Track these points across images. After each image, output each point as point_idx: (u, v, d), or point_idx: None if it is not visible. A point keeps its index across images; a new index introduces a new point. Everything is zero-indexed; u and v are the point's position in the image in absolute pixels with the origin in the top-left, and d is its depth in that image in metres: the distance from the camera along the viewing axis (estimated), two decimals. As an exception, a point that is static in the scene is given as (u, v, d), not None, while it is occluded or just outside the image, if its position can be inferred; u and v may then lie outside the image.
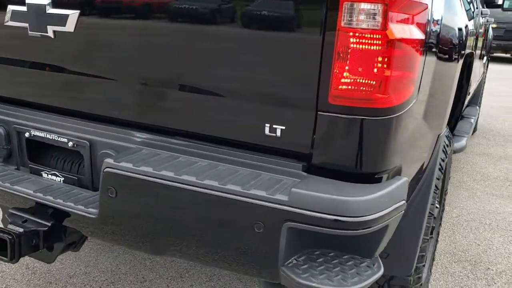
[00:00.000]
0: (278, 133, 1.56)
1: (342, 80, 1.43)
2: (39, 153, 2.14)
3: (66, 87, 1.95)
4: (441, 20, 1.81)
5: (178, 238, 1.61)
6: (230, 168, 1.63)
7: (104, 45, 1.80)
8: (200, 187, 1.51)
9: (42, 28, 1.86)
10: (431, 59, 1.72)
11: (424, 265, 2.17)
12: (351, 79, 1.42)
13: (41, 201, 1.87)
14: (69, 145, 1.95)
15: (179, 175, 1.55)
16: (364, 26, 1.38)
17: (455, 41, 2.14)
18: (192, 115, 1.71)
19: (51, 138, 1.99)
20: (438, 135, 2.19)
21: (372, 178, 1.51)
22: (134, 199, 1.63)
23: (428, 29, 1.61)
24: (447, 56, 1.98)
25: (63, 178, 2.03)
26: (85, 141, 1.91)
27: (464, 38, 2.42)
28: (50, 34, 1.86)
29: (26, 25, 1.89)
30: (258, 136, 1.60)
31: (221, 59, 1.59)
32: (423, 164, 1.98)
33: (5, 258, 1.88)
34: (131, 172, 1.60)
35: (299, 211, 1.41)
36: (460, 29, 2.28)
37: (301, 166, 1.57)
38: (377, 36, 1.37)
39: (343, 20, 1.39)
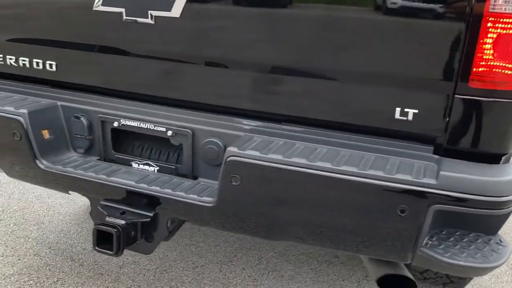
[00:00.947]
0: (410, 116, 1.58)
1: (484, 63, 1.46)
2: (126, 143, 2.07)
3: (164, 76, 1.89)
4: None
5: (307, 223, 1.62)
6: (354, 154, 1.64)
7: (213, 31, 1.75)
8: (338, 173, 1.52)
9: (141, 13, 1.79)
10: None
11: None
12: (493, 62, 1.45)
13: (146, 191, 1.83)
14: (168, 134, 1.90)
15: (313, 162, 1.55)
16: (508, 10, 1.41)
17: None
18: (312, 101, 1.70)
19: (145, 127, 1.93)
20: None
21: (506, 159, 1.56)
22: (260, 186, 1.63)
23: None
24: None
25: (157, 168, 1.98)
26: (187, 130, 1.87)
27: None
28: (150, 20, 1.79)
29: (122, 10, 1.81)
30: (386, 120, 1.62)
31: (353, 44, 1.58)
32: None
33: (110, 252, 1.85)
34: (259, 160, 1.58)
35: (448, 194, 1.44)
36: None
37: (431, 149, 1.60)
38: None
39: (489, 5, 1.41)
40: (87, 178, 1.91)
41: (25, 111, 1.94)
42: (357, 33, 1.57)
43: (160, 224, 1.91)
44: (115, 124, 1.98)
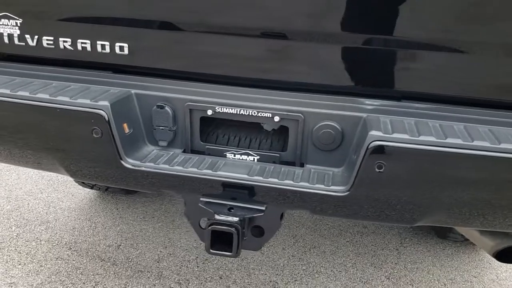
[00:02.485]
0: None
1: None
2: (217, 133, 1.88)
3: (270, 56, 1.70)
4: None
5: (460, 203, 1.57)
6: (500, 130, 1.58)
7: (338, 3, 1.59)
8: (499, 152, 1.47)
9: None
10: None
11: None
12: None
13: (261, 184, 1.67)
14: (275, 120, 1.74)
15: (469, 142, 1.49)
16: None
17: None
18: (441, 76, 1.62)
19: (247, 114, 1.75)
20: None
21: None
22: (411, 171, 1.54)
23: None
24: None
25: (257, 157, 1.82)
26: (298, 115, 1.72)
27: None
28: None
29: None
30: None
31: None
32: None
33: (228, 253, 1.69)
34: (412, 144, 1.50)
35: None
36: None
37: None
38: None
39: None
40: (189, 175, 1.71)
41: (106, 103, 1.67)
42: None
43: (272, 218, 1.77)
44: (209, 112, 1.77)
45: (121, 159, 1.73)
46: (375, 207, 1.63)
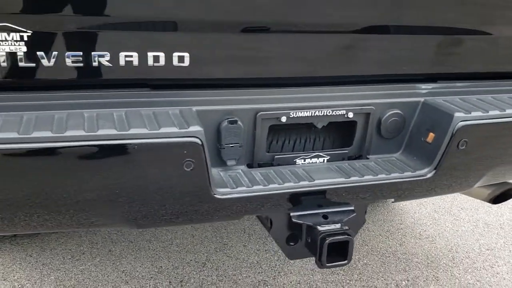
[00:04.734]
0: None
1: None
2: (282, 139, 1.71)
3: (341, 51, 1.63)
4: None
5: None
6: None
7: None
8: None
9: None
10: None
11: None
12: None
13: (347, 185, 1.64)
14: (349, 116, 1.69)
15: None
16: None
17: None
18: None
19: (322, 114, 1.65)
20: None
21: None
22: (487, 145, 1.73)
23: None
24: None
25: (327, 158, 1.74)
26: (370, 107, 1.71)
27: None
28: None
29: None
30: None
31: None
32: None
33: (344, 262, 1.62)
34: (491, 119, 1.68)
35: None
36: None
37: None
38: None
39: None
40: (286, 191, 1.55)
41: (198, 128, 1.36)
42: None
43: (359, 215, 1.74)
44: (283, 118, 1.61)
45: (211, 190, 1.46)
46: (456, 180, 1.78)
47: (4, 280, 2.51)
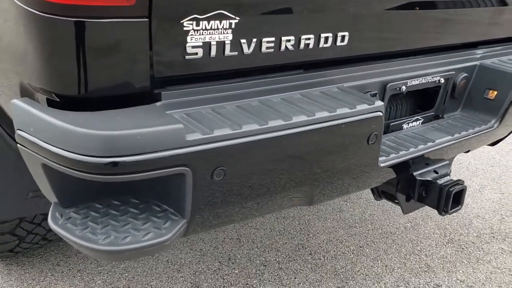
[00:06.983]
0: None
1: None
2: (394, 108, 1.88)
3: (437, 24, 1.84)
4: None
5: None
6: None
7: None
8: None
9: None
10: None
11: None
12: None
13: (453, 142, 1.90)
14: (441, 82, 1.93)
15: None
16: None
17: None
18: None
19: (425, 82, 1.86)
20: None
21: None
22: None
23: None
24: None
25: (422, 120, 1.96)
26: (452, 73, 1.97)
27: None
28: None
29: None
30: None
31: None
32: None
33: (459, 207, 1.88)
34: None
35: None
36: None
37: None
38: None
39: None
40: (426, 151, 1.75)
41: (380, 102, 1.47)
42: None
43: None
44: (403, 88, 1.78)
45: (378, 159, 1.60)
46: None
47: (44, 295, 2.27)
